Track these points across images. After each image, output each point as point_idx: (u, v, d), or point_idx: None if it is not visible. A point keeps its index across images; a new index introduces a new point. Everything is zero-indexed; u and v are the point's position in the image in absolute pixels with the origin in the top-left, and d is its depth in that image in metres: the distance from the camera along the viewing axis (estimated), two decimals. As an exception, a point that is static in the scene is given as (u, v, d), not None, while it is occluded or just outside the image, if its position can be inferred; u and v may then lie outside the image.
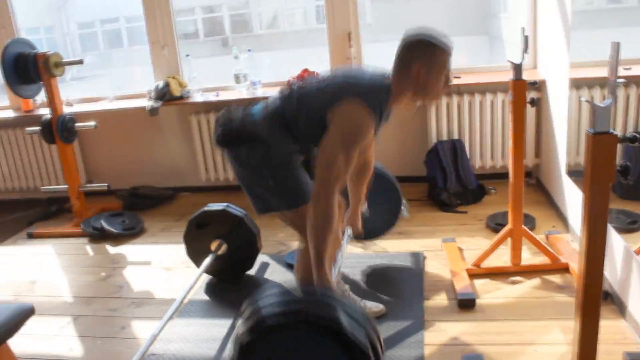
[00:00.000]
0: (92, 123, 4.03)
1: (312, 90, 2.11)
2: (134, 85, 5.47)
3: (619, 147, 1.50)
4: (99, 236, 3.82)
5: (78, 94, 4.57)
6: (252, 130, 2.15)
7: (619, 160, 1.52)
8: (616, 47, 1.46)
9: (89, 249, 3.74)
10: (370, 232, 2.92)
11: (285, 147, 2.15)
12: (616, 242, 2.42)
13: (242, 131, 2.16)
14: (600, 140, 1.45)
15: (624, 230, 2.67)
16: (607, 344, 2.14)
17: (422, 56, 2.00)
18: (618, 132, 1.49)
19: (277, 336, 1.56)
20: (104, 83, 7.61)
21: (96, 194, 4.35)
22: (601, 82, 3.25)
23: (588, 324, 1.78)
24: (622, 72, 3.12)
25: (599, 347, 1.84)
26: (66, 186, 4.10)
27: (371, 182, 2.56)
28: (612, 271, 2.47)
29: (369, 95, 1.98)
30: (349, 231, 2.57)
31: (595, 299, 1.69)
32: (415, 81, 2.01)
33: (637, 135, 1.44)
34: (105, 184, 4.12)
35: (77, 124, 4.03)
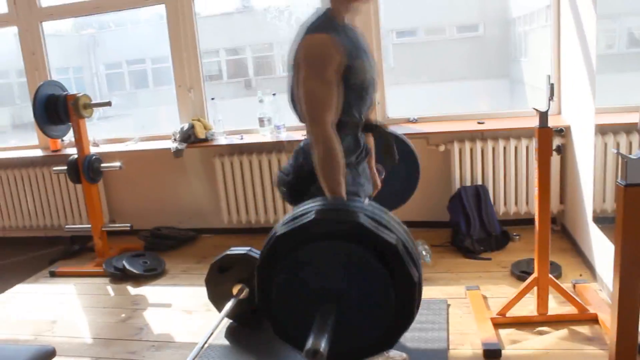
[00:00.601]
0: (117, 164, 4.09)
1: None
2: (159, 126, 5.56)
3: None
4: (120, 277, 3.82)
5: (104, 133, 4.66)
6: (305, 171, 2.04)
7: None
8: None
9: (110, 289, 3.74)
10: (388, 197, 2.61)
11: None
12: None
13: (301, 173, 2.07)
14: (632, 193, 1.43)
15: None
16: (640, 401, 2.07)
17: None
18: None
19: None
20: (129, 123, 7.74)
21: (118, 233, 4.39)
22: (626, 128, 3.23)
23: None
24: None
25: (632, 404, 1.78)
26: (89, 225, 4.14)
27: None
28: (644, 324, 2.40)
29: (316, 25, 1.90)
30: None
31: (630, 352, 1.64)
32: None
33: (670, 188, 1.41)
34: (128, 224, 4.16)
35: (103, 165, 4.10)
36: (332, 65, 1.84)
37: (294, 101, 1.99)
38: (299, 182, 2.07)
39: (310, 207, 1.62)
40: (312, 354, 1.41)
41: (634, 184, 1.43)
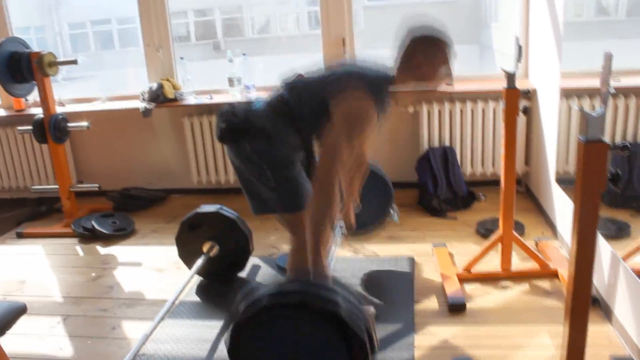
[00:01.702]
0: (84, 123, 4.02)
1: (317, 79, 2.15)
2: (126, 87, 5.47)
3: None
4: (89, 237, 3.81)
5: (69, 94, 4.56)
6: (255, 123, 2.17)
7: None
8: (609, 57, 1.50)
9: (79, 249, 3.73)
10: (360, 224, 2.86)
11: (287, 141, 2.17)
12: (604, 249, 2.46)
13: (246, 125, 2.17)
14: (592, 148, 1.49)
15: (611, 237, 2.71)
16: (594, 347, 2.18)
17: (425, 49, 2.08)
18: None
19: (272, 316, 1.59)
20: (95, 84, 7.58)
21: (87, 194, 4.35)
22: (590, 92, 3.31)
23: (576, 328, 1.81)
24: (611, 83, 3.19)
25: (586, 350, 1.87)
26: (57, 186, 4.09)
27: (364, 177, 2.59)
28: (600, 278, 2.51)
29: (374, 85, 2.03)
30: (341, 223, 2.58)
31: (583, 304, 1.73)
32: (418, 72, 2.08)
33: (627, 144, 1.47)
34: (96, 185, 4.12)
35: (70, 124, 4.03)
36: (364, 131, 2.03)
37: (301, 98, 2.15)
38: (239, 130, 2.18)
39: (299, 287, 1.68)
40: None
41: (593, 140, 1.49)
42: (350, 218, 2.57)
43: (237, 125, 2.18)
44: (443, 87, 2.20)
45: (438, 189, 3.87)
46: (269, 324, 1.60)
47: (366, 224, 3.08)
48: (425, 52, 2.08)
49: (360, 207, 2.72)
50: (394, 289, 2.85)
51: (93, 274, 3.32)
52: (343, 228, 2.60)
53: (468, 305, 2.63)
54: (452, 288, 2.75)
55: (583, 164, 1.50)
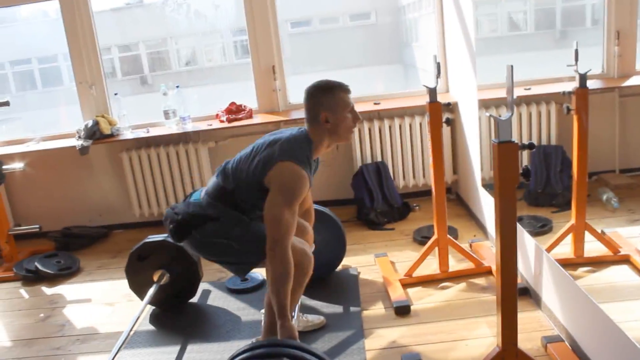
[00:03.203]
0: (20, 165, 4.00)
1: (244, 164, 2.30)
2: (56, 127, 5.41)
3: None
4: (33, 278, 3.76)
5: (-4, 137, 4.52)
6: (200, 213, 2.33)
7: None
8: (510, 69, 1.71)
9: (24, 292, 3.67)
10: (320, 267, 2.94)
11: (232, 215, 2.33)
12: (529, 243, 2.69)
13: (191, 217, 2.33)
14: (504, 148, 1.70)
15: (535, 233, 2.97)
16: (527, 332, 2.40)
17: (324, 101, 2.25)
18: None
19: None
20: (20, 125, 7.40)
21: (26, 236, 4.29)
22: (506, 102, 3.60)
23: (507, 313, 2.00)
24: (523, 92, 3.51)
25: (520, 335, 2.07)
26: (-7, 230, 4.03)
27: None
28: (527, 270, 2.75)
29: (296, 153, 2.20)
30: None
31: (511, 288, 1.92)
32: (326, 126, 2.25)
33: (533, 143, 1.69)
34: (37, 226, 4.08)
35: (4, 167, 3.99)
36: (300, 197, 2.17)
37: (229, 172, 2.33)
38: (185, 224, 2.34)
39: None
40: None
41: (504, 141, 1.70)
42: None
43: (182, 221, 2.33)
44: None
45: (374, 202, 4.06)
46: None
47: (326, 267, 3.21)
48: (324, 103, 2.24)
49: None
50: (341, 299, 2.99)
51: (41, 315, 3.30)
52: None
53: (412, 307, 2.81)
54: (396, 293, 2.92)
55: (497, 162, 1.71)
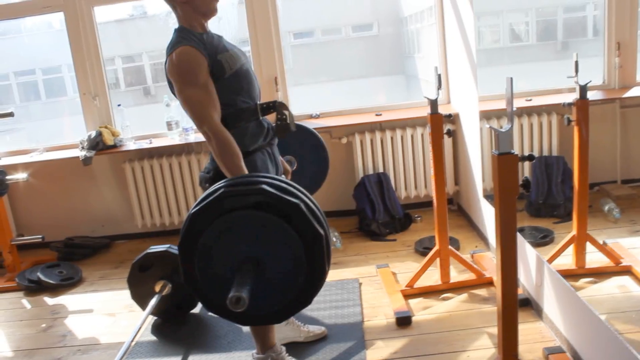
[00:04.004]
0: (23, 175, 4.02)
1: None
2: (59, 137, 5.45)
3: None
4: (35, 289, 3.77)
5: (0, 147, 4.54)
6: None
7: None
8: (510, 81, 1.72)
9: (26, 302, 3.68)
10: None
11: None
12: (530, 254, 2.69)
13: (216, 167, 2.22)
14: (503, 160, 1.70)
15: (537, 244, 2.97)
16: (528, 343, 2.40)
17: None
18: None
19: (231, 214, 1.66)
20: (24, 136, 7.45)
21: (29, 247, 4.30)
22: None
23: (508, 324, 2.01)
24: (524, 103, 3.52)
25: (521, 346, 2.08)
26: (-4, 241, 4.04)
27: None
28: (529, 280, 2.75)
29: (176, 41, 2.09)
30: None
31: (512, 298, 1.93)
32: (184, 7, 2.11)
33: (533, 154, 1.70)
34: (40, 236, 4.09)
35: (8, 177, 4.01)
36: (199, 69, 2.04)
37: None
38: (218, 178, 2.20)
39: (218, 186, 1.76)
40: (235, 300, 1.55)
41: (504, 153, 1.70)
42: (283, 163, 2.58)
43: (214, 180, 2.19)
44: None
45: (376, 213, 4.07)
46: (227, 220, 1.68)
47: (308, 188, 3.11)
48: None
49: (295, 165, 2.84)
50: (342, 310, 2.99)
51: (43, 325, 3.30)
52: None
53: (413, 318, 2.81)
54: (398, 304, 2.92)
55: (498, 173, 1.72)
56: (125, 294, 3.11)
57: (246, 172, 2.05)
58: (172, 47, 2.08)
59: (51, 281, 3.75)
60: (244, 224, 1.67)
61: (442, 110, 2.93)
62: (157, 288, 3.00)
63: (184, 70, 2.04)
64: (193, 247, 1.69)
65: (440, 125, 2.89)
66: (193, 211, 1.69)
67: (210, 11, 2.17)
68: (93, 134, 4.11)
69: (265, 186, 1.68)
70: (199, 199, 1.75)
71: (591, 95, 2.66)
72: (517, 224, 1.89)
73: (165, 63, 2.11)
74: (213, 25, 2.25)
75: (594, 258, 2.71)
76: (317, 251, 1.67)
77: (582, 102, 2.60)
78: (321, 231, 1.68)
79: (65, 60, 4.54)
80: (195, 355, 2.72)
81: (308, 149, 3.04)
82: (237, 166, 2.03)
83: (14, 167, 4.18)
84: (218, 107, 2.08)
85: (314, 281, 1.71)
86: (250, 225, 1.67)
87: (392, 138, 4.21)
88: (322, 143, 3.12)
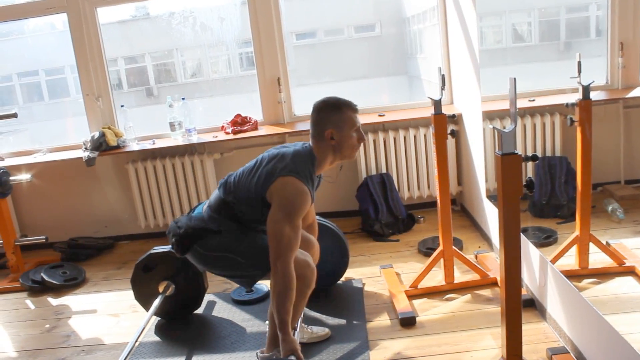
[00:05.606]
0: (27, 176, 4.03)
1: (246, 177, 2.30)
2: (61, 138, 5.45)
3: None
4: (39, 289, 3.78)
5: (4, 148, 4.55)
6: (201, 226, 2.34)
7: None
8: (512, 82, 1.72)
9: (30, 302, 3.69)
10: (323, 278, 2.96)
11: (234, 229, 2.34)
12: (534, 254, 2.69)
13: (193, 231, 2.33)
14: (507, 160, 1.70)
15: (540, 244, 2.97)
16: (532, 344, 2.40)
17: (331, 118, 2.25)
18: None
19: None
20: (27, 137, 7.45)
21: (32, 247, 4.32)
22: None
23: (512, 325, 2.01)
24: (527, 103, 3.51)
25: (525, 347, 2.08)
26: (0, 241, 4.05)
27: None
28: (532, 280, 2.74)
29: (299, 168, 2.20)
30: None
31: (516, 299, 1.92)
32: (331, 143, 2.26)
33: (536, 154, 1.70)
34: (43, 237, 4.10)
35: (12, 178, 4.02)
36: (302, 212, 2.19)
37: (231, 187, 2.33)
38: (187, 237, 2.35)
39: None
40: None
41: (507, 153, 1.70)
42: None
43: (184, 235, 2.34)
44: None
45: (379, 214, 4.07)
46: None
47: (328, 280, 3.19)
48: (331, 120, 2.25)
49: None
50: (346, 311, 2.99)
51: (47, 325, 3.31)
52: None
53: (417, 319, 2.80)
54: (402, 304, 2.91)
55: (501, 174, 1.72)
56: (129, 294, 3.12)
57: (290, 316, 2.12)
58: (288, 171, 2.18)
59: (55, 282, 3.76)
60: None
61: (445, 110, 2.93)
62: (161, 288, 3.01)
63: (291, 206, 2.15)
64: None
65: (444, 125, 2.90)
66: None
67: (349, 159, 2.34)
68: (96, 134, 4.12)
69: None
70: None
71: (594, 95, 2.65)
72: (521, 225, 1.89)
73: (266, 170, 2.22)
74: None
75: (598, 258, 2.71)
76: None
77: (585, 103, 2.60)
78: None
79: (69, 61, 4.56)
80: (198, 356, 2.73)
81: (325, 240, 3.06)
82: (287, 310, 2.10)
83: (18, 168, 4.19)
84: (298, 247, 2.19)
85: None
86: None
87: (394, 138, 4.21)
88: (339, 235, 3.21)
